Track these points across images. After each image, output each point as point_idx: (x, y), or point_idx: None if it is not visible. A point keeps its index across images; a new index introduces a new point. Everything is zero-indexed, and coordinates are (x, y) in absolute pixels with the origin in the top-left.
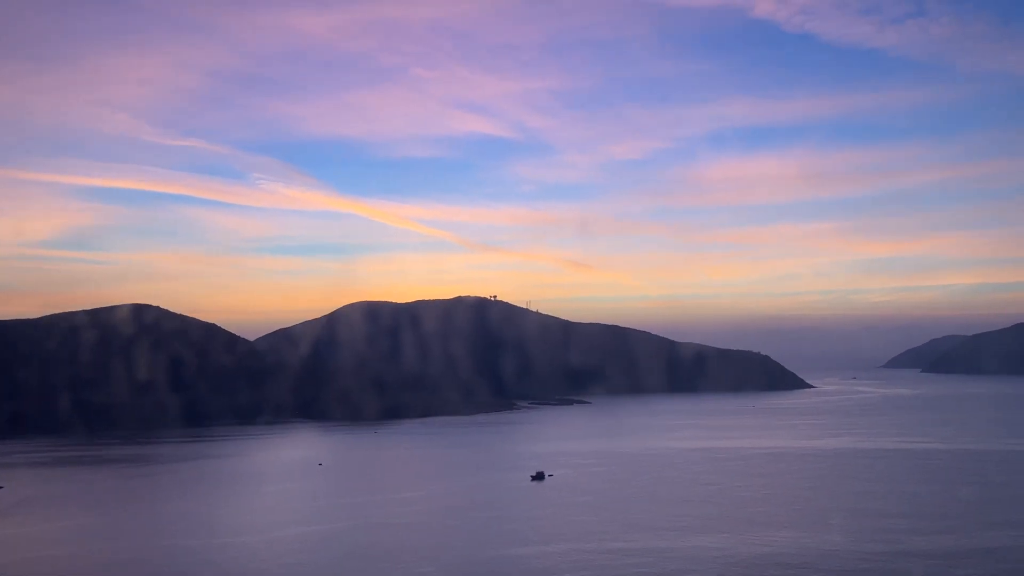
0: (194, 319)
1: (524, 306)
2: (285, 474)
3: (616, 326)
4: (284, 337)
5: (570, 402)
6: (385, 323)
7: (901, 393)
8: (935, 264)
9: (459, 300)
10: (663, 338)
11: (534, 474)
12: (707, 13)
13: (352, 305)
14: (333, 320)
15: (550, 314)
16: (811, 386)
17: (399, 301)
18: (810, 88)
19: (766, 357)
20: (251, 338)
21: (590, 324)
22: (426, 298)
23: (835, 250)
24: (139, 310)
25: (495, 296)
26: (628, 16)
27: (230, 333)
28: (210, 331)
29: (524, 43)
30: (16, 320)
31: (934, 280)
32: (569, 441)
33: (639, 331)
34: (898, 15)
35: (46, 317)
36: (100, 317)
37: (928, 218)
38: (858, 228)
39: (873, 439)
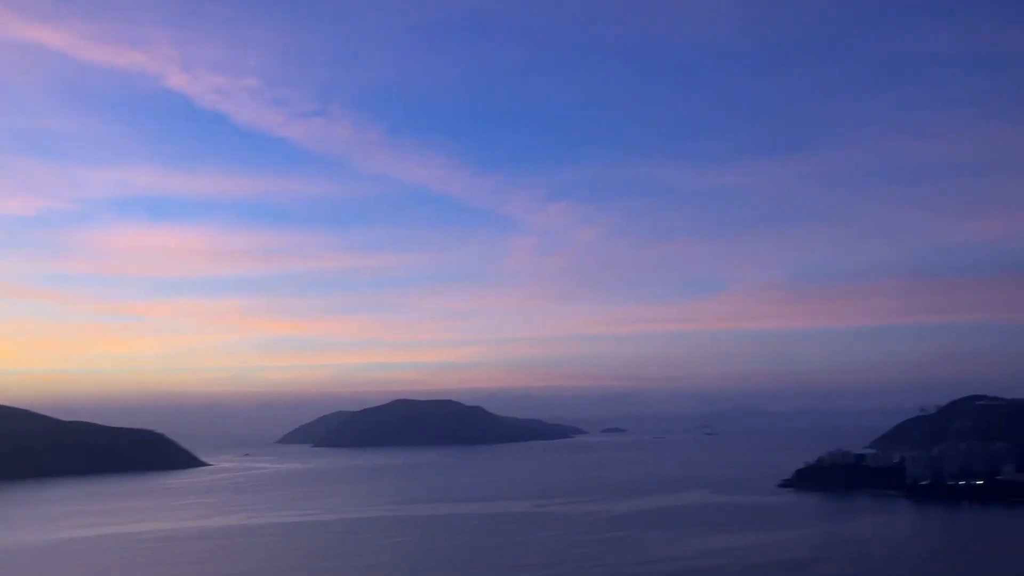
0: None
1: None
2: None
3: None
4: None
5: None
6: None
7: (295, 467)
8: (329, 344)
9: None
10: (47, 417)
11: None
12: (117, 74)
13: None
14: None
15: None
16: (206, 464)
17: None
18: (221, 166)
19: (160, 435)
20: None
21: None
22: None
23: (237, 327)
24: None
25: None
26: (18, 59)
27: None
28: None
29: None
30: None
31: (328, 359)
32: None
33: (19, 409)
34: (305, 111)
35: None
36: None
37: (322, 301)
38: (260, 307)
39: (264, 515)
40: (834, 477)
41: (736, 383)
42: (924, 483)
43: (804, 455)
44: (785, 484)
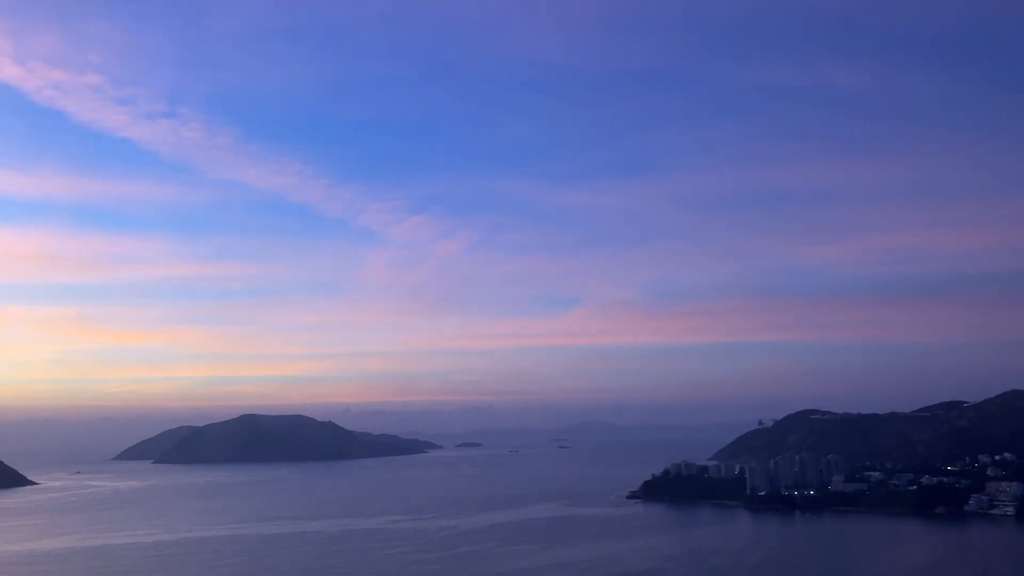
0: None
1: None
2: None
3: None
4: None
5: None
6: None
7: (133, 485)
8: (171, 356)
9: None
10: None
11: None
12: None
13: None
14: None
15: None
16: (34, 483)
17: None
18: (59, 165)
19: None
20: None
21: None
22: None
23: (71, 337)
24: None
25: None
26: None
27: None
28: None
29: None
30: None
31: (169, 372)
32: None
33: None
34: (152, 112)
35: None
36: None
37: (168, 311)
38: (97, 316)
39: (96, 536)
40: (679, 488)
41: (588, 397)
42: (762, 493)
43: (651, 467)
44: (633, 496)
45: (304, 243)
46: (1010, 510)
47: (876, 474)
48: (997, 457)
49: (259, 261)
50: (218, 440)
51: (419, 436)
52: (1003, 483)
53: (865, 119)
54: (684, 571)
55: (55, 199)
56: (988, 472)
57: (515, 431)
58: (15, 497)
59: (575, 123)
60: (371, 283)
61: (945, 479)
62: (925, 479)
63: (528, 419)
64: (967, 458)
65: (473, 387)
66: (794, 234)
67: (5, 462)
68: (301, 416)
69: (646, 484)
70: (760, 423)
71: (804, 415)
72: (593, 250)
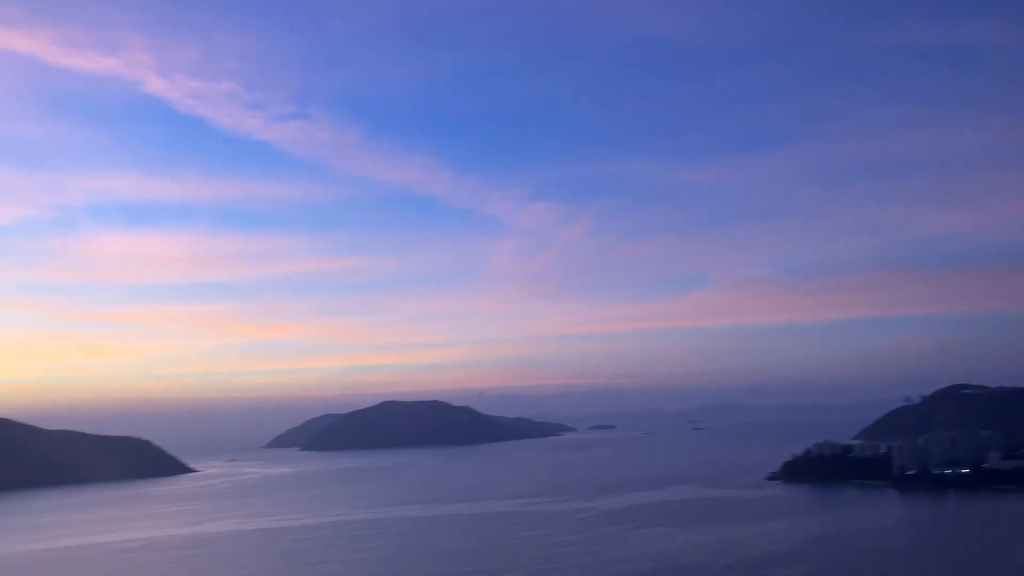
0: None
1: None
2: None
3: None
4: None
5: None
6: None
7: (283, 472)
8: (311, 348)
9: None
10: (31, 427)
11: None
12: (93, 79)
13: None
14: None
15: None
16: (194, 470)
17: None
18: (200, 170)
19: (147, 442)
20: None
21: None
22: None
23: (219, 333)
24: None
25: None
26: None
27: None
28: None
29: None
30: None
31: (310, 363)
32: None
33: (2, 419)
34: (284, 114)
35: None
36: None
37: (306, 305)
38: (240, 312)
39: (252, 520)
40: (821, 469)
41: (722, 379)
42: (911, 473)
43: (791, 448)
44: (773, 477)
45: (431, 234)
46: None
47: None
48: None
49: (389, 254)
50: (359, 427)
51: (552, 419)
52: None
53: (1007, 78)
54: (830, 553)
55: (198, 202)
56: None
57: (648, 413)
58: (177, 484)
59: (693, 99)
60: (497, 270)
61: None
62: None
63: (660, 401)
64: None
65: (602, 370)
66: (930, 202)
67: (167, 451)
68: (437, 402)
69: (786, 465)
70: (906, 400)
71: (953, 390)
72: (718, 228)
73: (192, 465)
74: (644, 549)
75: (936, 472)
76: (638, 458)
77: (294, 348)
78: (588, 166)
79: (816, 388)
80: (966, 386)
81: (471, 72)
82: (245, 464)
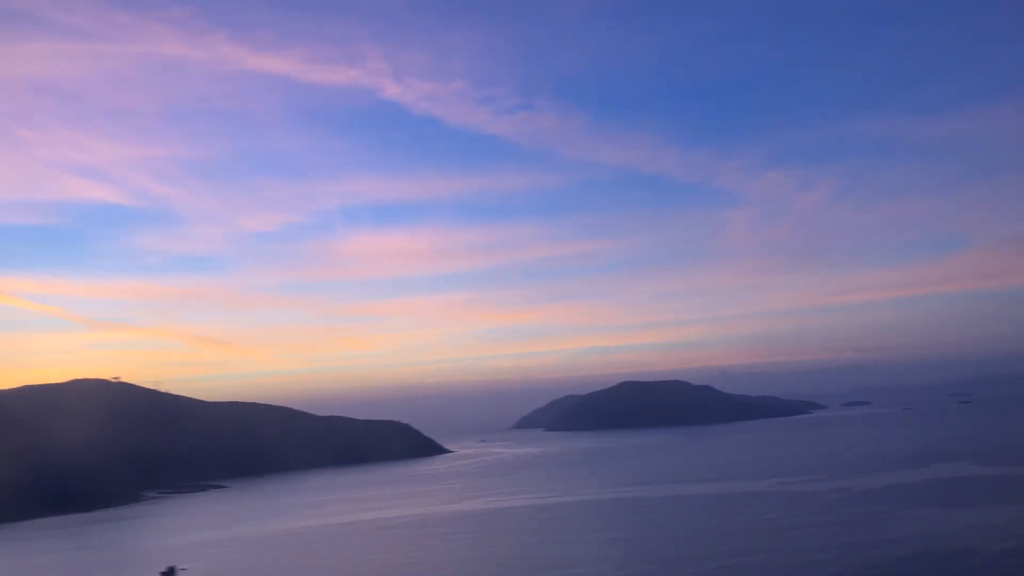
0: None
1: (152, 387)
2: None
3: (255, 403)
4: None
5: (206, 487)
6: None
7: (530, 452)
8: (551, 331)
9: (74, 384)
10: (304, 413)
11: (164, 570)
12: (338, 91)
13: None
14: None
15: (182, 394)
16: (449, 451)
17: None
18: (437, 168)
19: (406, 425)
20: None
21: (227, 403)
22: (34, 382)
23: (463, 320)
24: None
25: (117, 377)
26: (252, 88)
27: None
28: None
29: (139, 109)
30: None
31: (551, 345)
32: (206, 530)
33: (278, 407)
34: (510, 106)
35: None
36: None
37: (542, 290)
38: (483, 299)
39: (507, 498)
40: None
41: (988, 347)
42: None
43: None
44: None
45: (661, 212)
46: None
47: None
48: None
49: (619, 235)
50: (601, 407)
51: (800, 396)
52: None
53: None
54: None
55: (437, 199)
56: None
57: (905, 387)
58: (436, 464)
59: (935, 46)
60: (732, 244)
61: None
62: None
63: (919, 374)
64: None
65: (851, 343)
66: None
67: (424, 434)
68: (678, 381)
69: None
70: None
71: None
72: (976, 184)
73: (447, 446)
74: (905, 531)
75: None
76: (898, 434)
77: (533, 332)
78: (824, 128)
79: None
80: None
81: (689, 43)
82: (495, 444)
